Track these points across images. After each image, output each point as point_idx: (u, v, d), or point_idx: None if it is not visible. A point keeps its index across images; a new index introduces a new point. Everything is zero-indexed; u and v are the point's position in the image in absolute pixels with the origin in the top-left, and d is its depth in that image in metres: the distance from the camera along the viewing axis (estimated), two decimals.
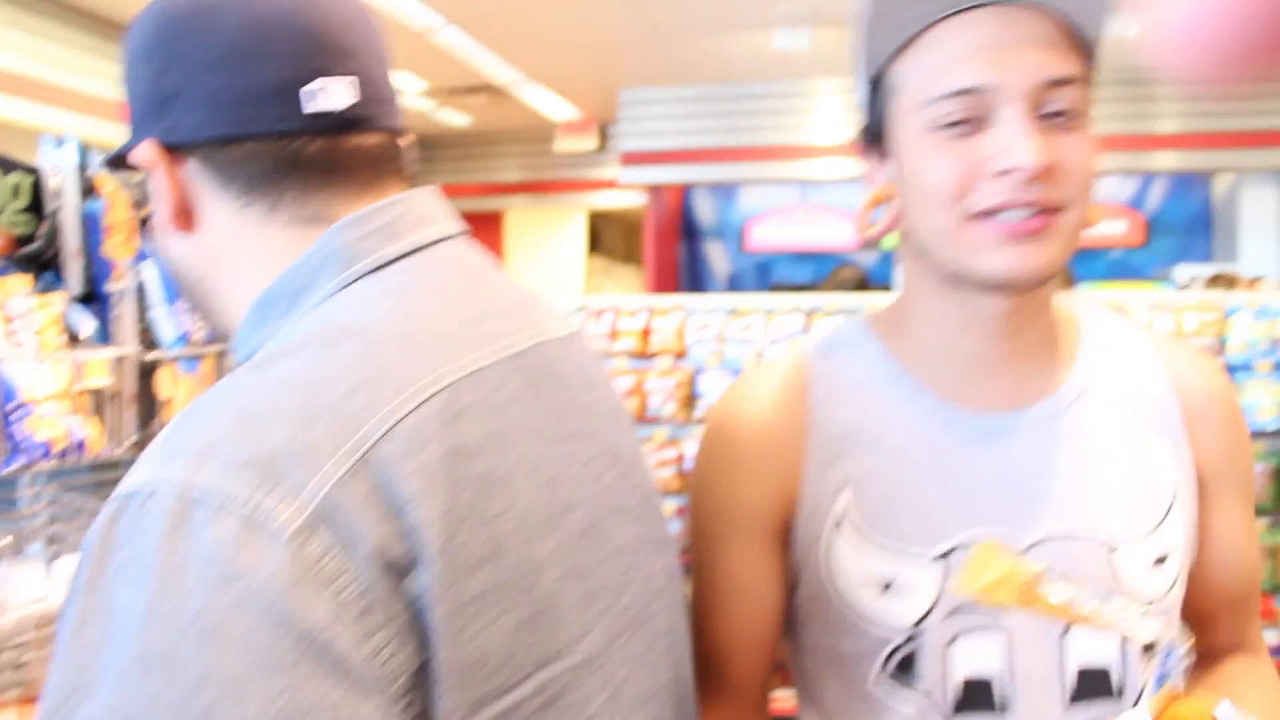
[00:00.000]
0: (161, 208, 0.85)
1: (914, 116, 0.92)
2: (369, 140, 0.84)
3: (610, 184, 9.63)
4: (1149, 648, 0.86)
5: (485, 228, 10.12)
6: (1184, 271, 8.08)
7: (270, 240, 0.82)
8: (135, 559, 0.60)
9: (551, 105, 9.11)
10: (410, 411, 0.68)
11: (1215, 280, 6.93)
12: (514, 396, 0.77)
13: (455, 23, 6.75)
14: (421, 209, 0.86)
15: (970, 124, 0.89)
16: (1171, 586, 0.98)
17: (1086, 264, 8.96)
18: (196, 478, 0.61)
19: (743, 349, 4.15)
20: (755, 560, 1.03)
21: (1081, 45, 0.92)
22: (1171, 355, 1.05)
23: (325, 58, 0.81)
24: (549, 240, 10.54)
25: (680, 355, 4.27)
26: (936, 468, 0.98)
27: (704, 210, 10.54)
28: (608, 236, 11.77)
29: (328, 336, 0.72)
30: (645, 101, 8.72)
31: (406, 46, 7.17)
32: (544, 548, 0.74)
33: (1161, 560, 0.97)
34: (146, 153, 0.82)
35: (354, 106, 0.82)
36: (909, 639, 0.96)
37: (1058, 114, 0.89)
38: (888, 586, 0.96)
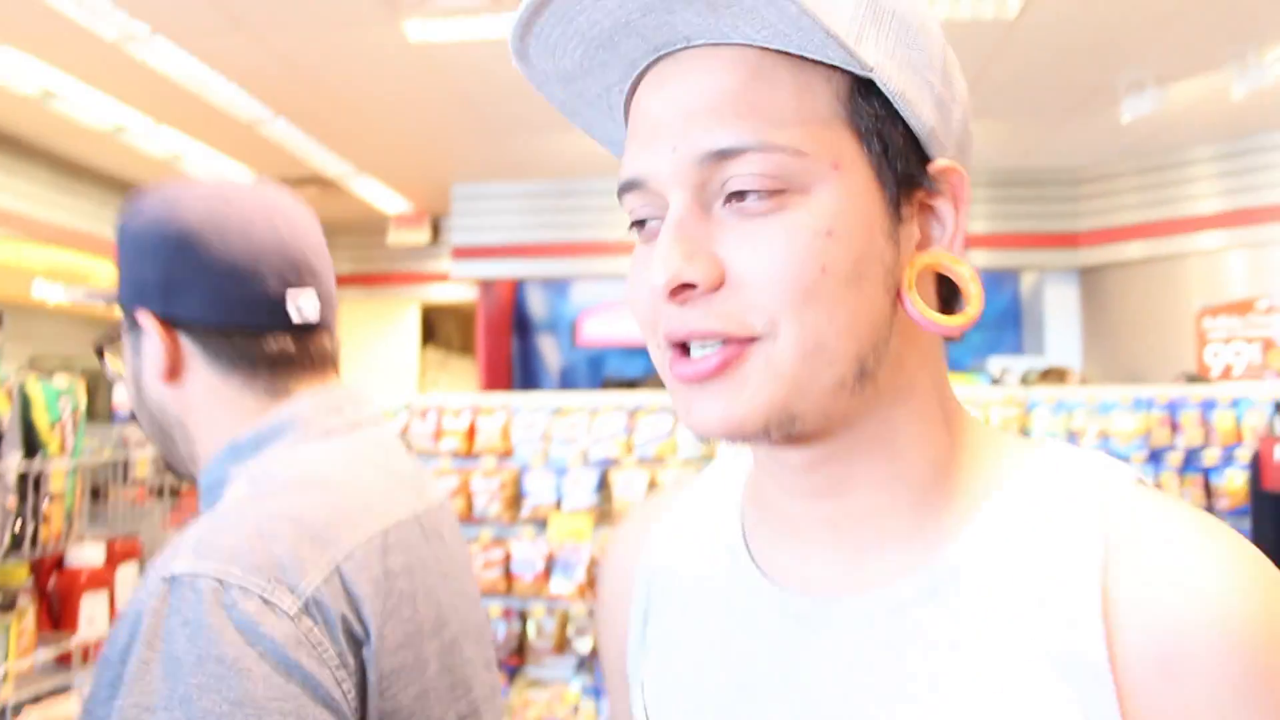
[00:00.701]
0: (150, 362, 1.11)
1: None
2: (324, 340, 1.17)
3: (444, 277, 9.60)
4: None
5: None
6: (996, 363, 8.48)
7: (245, 406, 1.11)
8: (188, 621, 0.87)
9: (383, 198, 9.06)
10: (362, 543, 1.01)
11: (1047, 374, 7.26)
12: (417, 542, 1.10)
13: (283, 114, 6.68)
14: (355, 394, 1.19)
15: (658, 223, 0.68)
16: None
17: None
18: (228, 569, 0.90)
19: (568, 448, 4.14)
20: (626, 708, 0.88)
21: (807, 82, 0.63)
22: (1140, 556, 0.62)
23: (302, 276, 1.12)
24: (382, 333, 10.38)
25: (506, 454, 4.24)
26: (726, 653, 0.75)
27: (536, 304, 10.59)
28: (443, 329, 11.69)
29: (306, 483, 1.04)
30: (477, 196, 8.78)
31: (234, 138, 7.05)
32: (430, 649, 1.06)
33: None
34: (147, 320, 1.09)
35: (318, 314, 1.14)
36: None
37: (739, 196, 0.63)
38: None
